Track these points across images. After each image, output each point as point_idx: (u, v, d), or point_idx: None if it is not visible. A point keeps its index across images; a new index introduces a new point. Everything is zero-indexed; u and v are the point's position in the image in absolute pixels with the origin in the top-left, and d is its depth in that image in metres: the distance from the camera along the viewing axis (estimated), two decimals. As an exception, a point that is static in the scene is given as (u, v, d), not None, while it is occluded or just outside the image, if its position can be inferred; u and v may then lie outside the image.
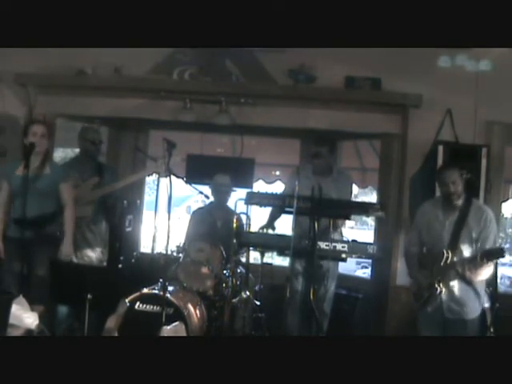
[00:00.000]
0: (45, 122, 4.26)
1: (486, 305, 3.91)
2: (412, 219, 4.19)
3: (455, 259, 3.64)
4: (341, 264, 4.52)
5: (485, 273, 3.62)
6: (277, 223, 4.56)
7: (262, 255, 4.43)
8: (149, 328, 3.59)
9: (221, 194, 5.05)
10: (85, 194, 4.46)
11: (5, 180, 4.07)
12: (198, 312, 4.10)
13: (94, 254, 4.56)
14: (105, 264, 4.67)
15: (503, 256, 3.50)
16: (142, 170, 5.15)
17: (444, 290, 3.64)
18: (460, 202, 3.73)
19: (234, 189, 5.17)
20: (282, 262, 5.51)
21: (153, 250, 4.67)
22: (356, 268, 10.93)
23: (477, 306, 3.74)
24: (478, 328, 3.75)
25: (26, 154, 3.87)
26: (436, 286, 3.63)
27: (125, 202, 5.20)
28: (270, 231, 4.45)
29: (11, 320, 3.25)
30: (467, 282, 3.66)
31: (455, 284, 3.68)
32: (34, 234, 3.92)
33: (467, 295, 3.69)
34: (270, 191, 4.02)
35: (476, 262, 3.55)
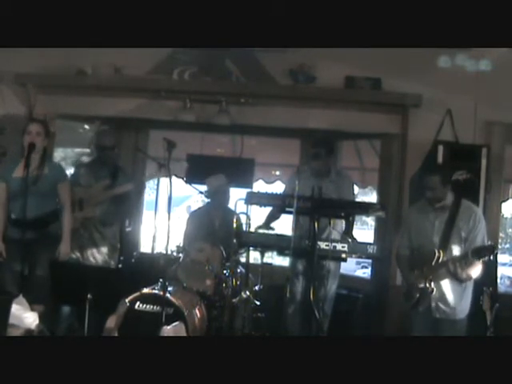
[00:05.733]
0: (43, 121, 4.24)
1: (485, 305, 3.92)
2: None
3: (446, 258, 3.65)
4: (341, 264, 4.52)
5: (475, 270, 3.64)
6: (276, 223, 4.55)
7: (262, 255, 4.42)
8: (149, 328, 3.59)
9: (217, 195, 5.02)
10: (95, 194, 4.46)
11: (2, 181, 4.04)
12: (197, 312, 4.10)
13: (99, 256, 4.50)
14: (112, 266, 4.59)
15: (494, 253, 3.51)
16: (151, 172, 5.09)
17: (435, 289, 3.66)
18: (448, 203, 3.74)
19: (231, 188, 5.13)
20: (282, 262, 5.51)
21: (153, 250, 4.67)
22: (356, 268, 10.92)
23: (465, 306, 3.76)
24: (468, 328, 3.77)
25: (26, 154, 3.86)
26: (427, 285, 3.65)
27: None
28: (268, 231, 4.43)
29: (11, 320, 3.26)
30: (458, 280, 3.68)
31: (446, 284, 3.71)
32: (34, 235, 3.91)
33: (455, 295, 3.72)
34: (269, 191, 4.02)
35: (467, 259, 3.57)
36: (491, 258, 3.52)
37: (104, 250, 4.54)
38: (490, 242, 3.66)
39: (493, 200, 4.65)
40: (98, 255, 4.51)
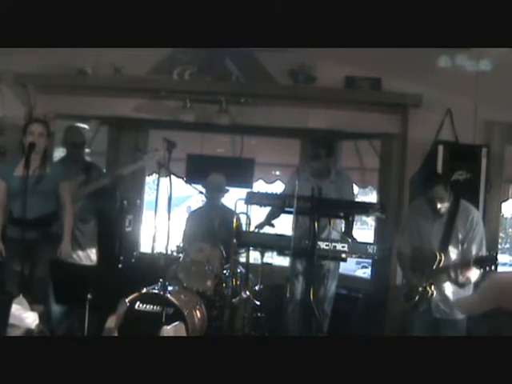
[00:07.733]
0: (44, 121, 4.24)
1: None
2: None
3: (447, 262, 3.66)
4: (341, 264, 4.52)
5: (475, 274, 3.63)
6: (276, 222, 4.56)
7: (262, 255, 4.42)
8: (149, 328, 3.59)
9: (214, 194, 5.03)
10: (72, 192, 4.43)
11: (2, 180, 4.04)
12: (197, 312, 4.10)
13: (82, 253, 4.52)
14: (94, 263, 4.63)
15: (496, 264, 3.50)
16: (128, 165, 5.00)
17: (435, 292, 3.66)
18: (447, 205, 3.74)
19: (229, 188, 5.15)
20: (282, 261, 5.51)
21: (153, 249, 4.67)
22: (356, 268, 10.94)
23: None
24: (468, 327, 3.75)
25: (27, 154, 3.86)
26: (428, 288, 3.65)
27: (125, 202, 5.18)
28: (267, 230, 4.43)
29: (11, 320, 3.25)
30: (459, 285, 3.68)
31: (446, 287, 3.71)
32: (35, 235, 3.91)
33: (456, 296, 3.70)
34: (270, 191, 4.02)
35: (469, 267, 3.57)
36: (493, 268, 3.50)
37: (85, 246, 4.55)
38: (492, 252, 3.64)
39: (493, 200, 4.65)
40: (80, 252, 4.51)
